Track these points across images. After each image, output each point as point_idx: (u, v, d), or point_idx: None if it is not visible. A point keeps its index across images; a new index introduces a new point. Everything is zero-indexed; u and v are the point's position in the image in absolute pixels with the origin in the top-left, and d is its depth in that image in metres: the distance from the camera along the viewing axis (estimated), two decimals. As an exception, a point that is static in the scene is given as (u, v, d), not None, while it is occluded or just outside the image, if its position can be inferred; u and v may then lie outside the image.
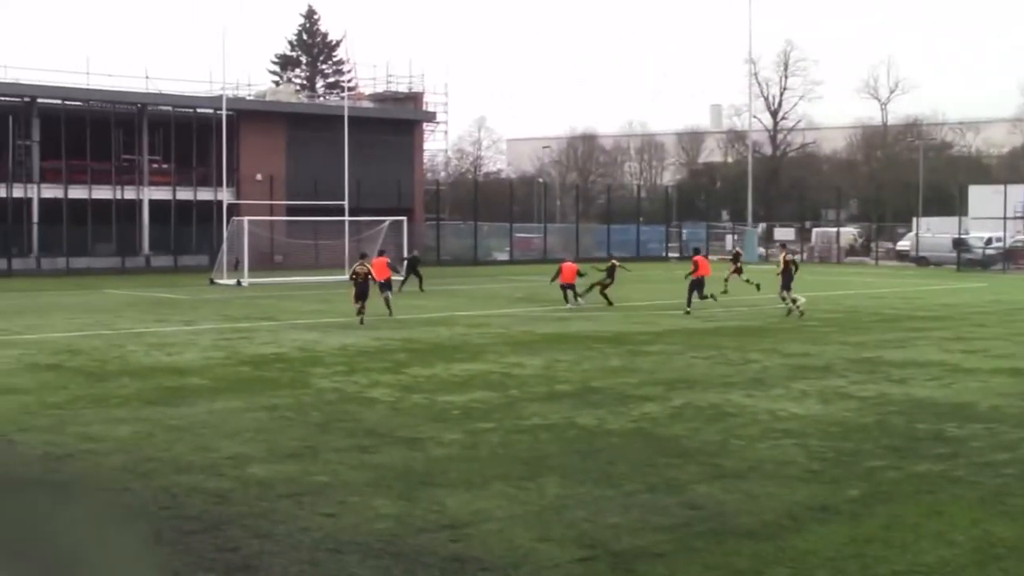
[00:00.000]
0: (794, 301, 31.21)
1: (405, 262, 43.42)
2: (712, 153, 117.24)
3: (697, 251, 35.40)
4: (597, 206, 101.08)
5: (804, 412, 15.64)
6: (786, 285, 31.36)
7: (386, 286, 31.95)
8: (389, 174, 66.88)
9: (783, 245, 37.86)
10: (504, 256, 71.80)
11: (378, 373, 19.47)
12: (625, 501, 10.76)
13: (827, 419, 15.09)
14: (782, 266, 31.72)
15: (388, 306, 30.94)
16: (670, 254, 78.61)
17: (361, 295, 28.81)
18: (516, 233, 74.73)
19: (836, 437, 13.85)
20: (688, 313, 31.72)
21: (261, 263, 53.13)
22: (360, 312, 28.64)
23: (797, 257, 32.35)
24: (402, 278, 41.27)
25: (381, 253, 35.91)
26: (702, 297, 32.92)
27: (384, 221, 52.62)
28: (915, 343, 24.52)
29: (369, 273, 29.36)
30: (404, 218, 53.22)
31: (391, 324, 28.79)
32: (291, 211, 59.77)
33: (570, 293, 34.29)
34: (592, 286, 35.34)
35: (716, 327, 28.11)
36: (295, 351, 22.74)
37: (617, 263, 36.52)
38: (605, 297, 34.85)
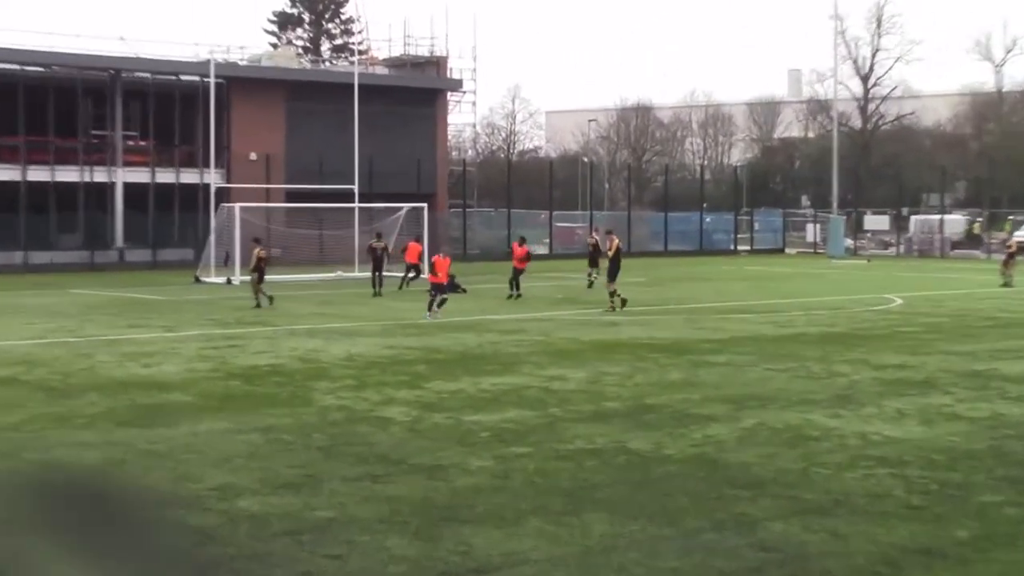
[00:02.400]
0: (615, 292, 34.15)
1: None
2: (790, 127, 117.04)
3: (523, 240, 41.56)
4: (653, 190, 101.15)
5: (902, 435, 15.53)
6: (612, 275, 34.39)
7: (413, 268, 42.83)
8: (407, 153, 67.02)
9: (609, 231, 38.81)
10: (543, 249, 71.84)
11: (393, 388, 19.49)
12: (686, 542, 10.71)
13: (930, 444, 14.97)
14: (612, 253, 34.73)
15: (403, 282, 41.51)
16: (740, 247, 78.38)
17: (261, 279, 35.85)
18: (556, 222, 74.79)
19: (941, 466, 13.73)
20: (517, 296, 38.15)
21: (255, 258, 53.30)
22: (256, 295, 35.35)
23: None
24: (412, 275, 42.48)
25: (417, 239, 46.26)
26: (512, 284, 38.66)
27: (401, 208, 52.79)
28: (1035, 353, 24.35)
29: (265, 261, 36.27)
30: (424, 205, 53.33)
31: (408, 330, 28.85)
32: (291, 196, 60.07)
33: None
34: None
35: (795, 333, 27.99)
36: (295, 362, 22.82)
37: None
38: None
